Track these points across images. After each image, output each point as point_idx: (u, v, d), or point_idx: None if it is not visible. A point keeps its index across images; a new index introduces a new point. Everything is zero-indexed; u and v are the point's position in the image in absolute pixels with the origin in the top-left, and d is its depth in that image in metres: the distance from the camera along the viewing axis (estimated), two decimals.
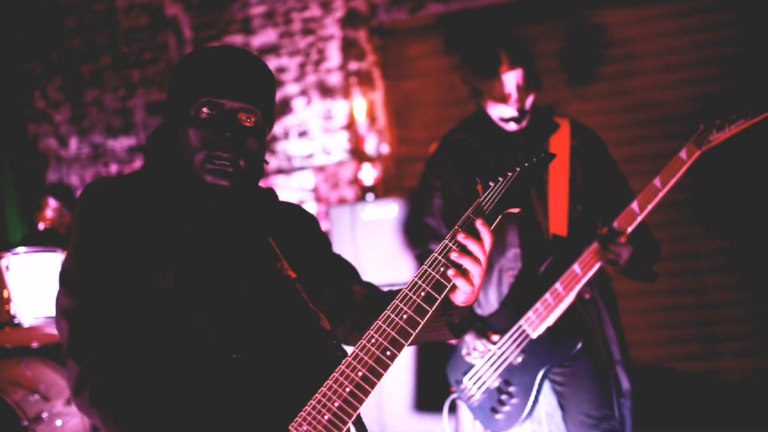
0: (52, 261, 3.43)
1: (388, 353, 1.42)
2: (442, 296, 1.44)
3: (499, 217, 1.50)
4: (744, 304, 3.97)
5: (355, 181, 4.50)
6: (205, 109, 1.49)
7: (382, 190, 4.28)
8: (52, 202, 4.10)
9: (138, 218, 1.47)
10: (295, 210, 1.73)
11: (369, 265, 3.79)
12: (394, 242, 3.79)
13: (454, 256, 1.45)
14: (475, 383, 2.60)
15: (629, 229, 2.43)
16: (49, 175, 5.12)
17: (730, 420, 3.77)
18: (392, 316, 1.43)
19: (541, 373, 2.49)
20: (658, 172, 2.48)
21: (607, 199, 2.64)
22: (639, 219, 2.43)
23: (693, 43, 4.05)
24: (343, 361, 1.42)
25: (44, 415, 3.26)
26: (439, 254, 1.46)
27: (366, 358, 1.41)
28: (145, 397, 1.38)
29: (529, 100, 2.59)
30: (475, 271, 1.46)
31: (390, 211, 3.83)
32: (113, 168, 5.03)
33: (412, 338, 1.43)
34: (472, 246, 1.45)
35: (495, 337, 2.56)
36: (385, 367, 1.41)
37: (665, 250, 2.75)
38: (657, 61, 4.10)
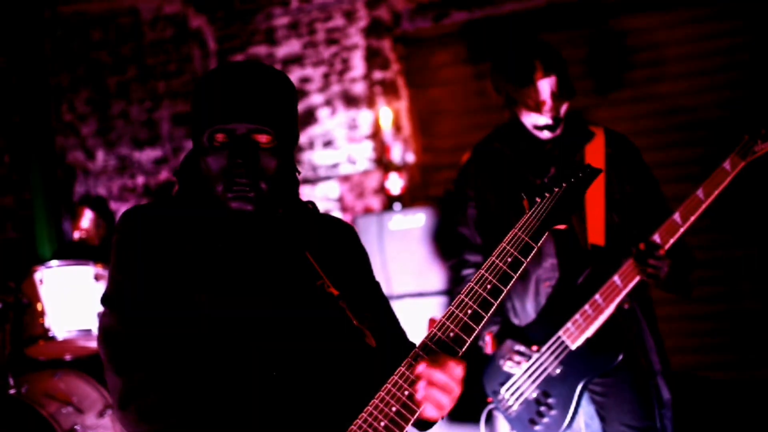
0: (85, 274, 3.45)
1: None
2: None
3: (546, 233, 1.50)
4: None
5: (381, 190, 4.50)
6: (218, 136, 1.48)
7: (408, 199, 4.28)
8: (88, 213, 4.14)
9: (173, 242, 1.48)
10: (335, 223, 1.71)
11: (397, 275, 3.78)
12: (422, 252, 3.78)
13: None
14: (512, 394, 2.58)
15: (671, 241, 2.40)
16: (77, 188, 5.16)
17: (766, 429, 3.72)
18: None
19: (581, 385, 2.47)
20: (688, 177, 2.45)
21: (641, 207, 2.61)
22: (682, 230, 2.40)
23: (722, 47, 4.02)
24: (389, 380, 1.41)
25: (78, 427, 3.27)
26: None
27: (412, 377, 1.40)
28: (194, 414, 1.38)
29: (563, 108, 2.58)
30: None
31: (417, 221, 3.83)
32: (140, 180, 5.06)
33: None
34: None
35: (533, 348, 2.54)
36: None
37: (700, 257, 2.73)
38: (685, 65, 4.06)
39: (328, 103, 4.70)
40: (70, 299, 3.39)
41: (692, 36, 4.08)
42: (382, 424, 1.38)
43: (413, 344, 1.64)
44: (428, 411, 1.40)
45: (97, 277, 3.45)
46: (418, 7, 4.51)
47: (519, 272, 1.47)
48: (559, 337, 2.50)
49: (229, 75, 1.51)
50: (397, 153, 4.50)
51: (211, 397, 1.41)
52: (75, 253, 3.97)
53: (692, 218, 2.39)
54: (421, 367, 1.39)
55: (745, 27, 3.99)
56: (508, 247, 1.48)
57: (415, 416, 1.40)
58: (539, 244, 1.48)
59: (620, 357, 2.44)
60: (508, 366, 2.57)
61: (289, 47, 4.78)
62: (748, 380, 3.91)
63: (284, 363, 1.44)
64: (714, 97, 4.01)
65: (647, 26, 4.13)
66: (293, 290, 1.50)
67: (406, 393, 1.39)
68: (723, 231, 3.96)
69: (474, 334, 1.43)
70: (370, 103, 4.60)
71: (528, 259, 1.47)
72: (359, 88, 4.64)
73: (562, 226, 1.52)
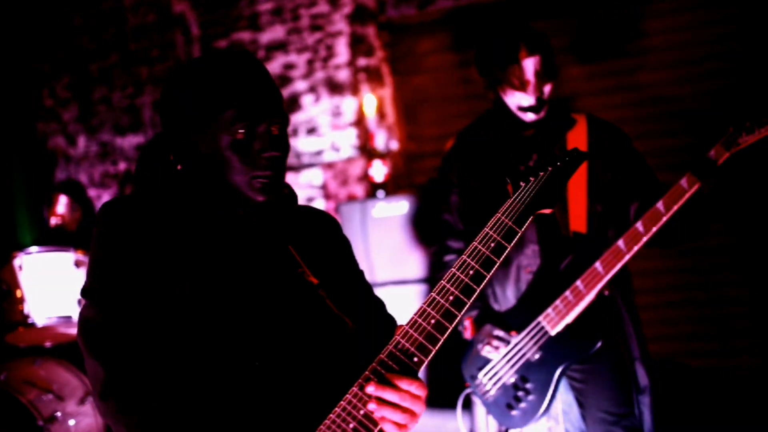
0: (65, 260, 3.43)
1: (415, 359, 1.40)
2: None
3: (531, 218, 1.49)
4: (757, 300, 3.95)
5: (365, 177, 4.49)
6: (241, 131, 1.46)
7: (392, 186, 4.27)
8: (63, 198, 4.10)
9: (155, 234, 1.47)
10: (316, 215, 1.71)
11: (380, 262, 3.78)
12: (405, 239, 3.78)
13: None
14: (490, 379, 2.59)
15: (654, 229, 2.41)
16: (58, 174, 5.12)
17: (743, 416, 3.76)
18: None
19: (559, 371, 2.48)
20: (672, 166, 2.45)
21: (636, 194, 2.59)
22: (664, 219, 2.40)
23: (708, 36, 4.02)
24: (369, 367, 1.40)
25: (58, 414, 3.26)
26: (459, 272, 1.45)
27: (392, 364, 1.39)
28: (176, 404, 1.37)
29: (547, 89, 2.58)
30: None
31: (400, 208, 3.83)
32: (122, 166, 5.02)
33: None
34: None
35: (512, 333, 2.55)
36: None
37: (679, 246, 2.73)
38: (671, 55, 4.07)
39: (312, 89, 4.68)
40: (50, 286, 3.37)
41: (677, 25, 4.08)
42: (362, 412, 1.37)
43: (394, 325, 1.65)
44: (388, 429, 1.38)
45: (77, 264, 3.42)
46: None
47: (502, 257, 1.45)
48: (539, 323, 2.51)
49: (239, 66, 1.49)
50: (381, 140, 4.49)
51: (193, 387, 1.40)
52: (55, 239, 3.95)
53: (674, 207, 2.40)
54: (370, 389, 1.37)
55: (733, 17, 4.00)
56: (491, 232, 1.46)
57: None
58: (523, 229, 1.46)
59: (599, 344, 2.46)
60: (486, 351, 2.58)
61: (273, 33, 4.75)
62: (725, 367, 3.95)
63: (266, 352, 1.43)
64: (699, 87, 4.02)
65: (632, 15, 4.13)
66: (275, 280, 1.50)
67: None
68: None
69: (456, 321, 1.42)
70: (355, 90, 4.58)
71: (512, 244, 1.45)
72: (343, 75, 4.62)
73: (547, 211, 1.51)
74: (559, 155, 1.55)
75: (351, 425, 1.37)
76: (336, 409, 1.39)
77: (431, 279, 3.54)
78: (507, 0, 4.28)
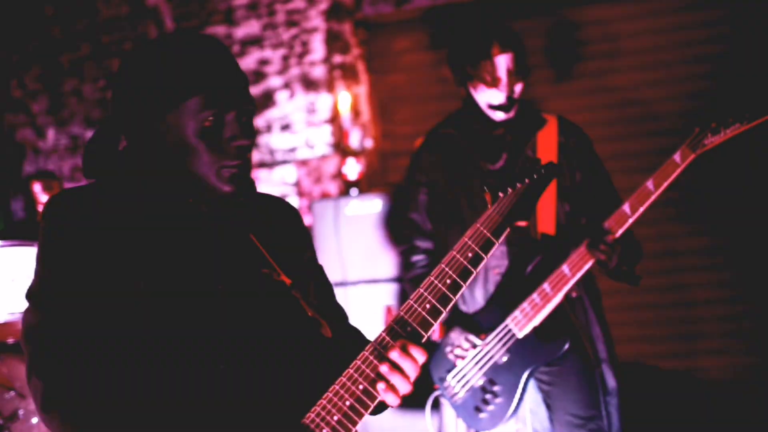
0: (29, 255, 3.37)
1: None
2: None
3: (507, 230, 1.48)
4: (725, 302, 3.99)
5: (339, 175, 4.47)
6: (210, 118, 1.38)
7: (365, 184, 4.25)
8: (37, 186, 4.04)
9: (107, 228, 1.38)
10: (277, 203, 1.62)
11: (353, 261, 3.76)
12: (378, 238, 3.77)
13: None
14: (459, 381, 2.58)
15: (620, 231, 2.42)
16: (27, 167, 5.03)
17: (710, 416, 3.79)
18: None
19: (526, 373, 2.49)
20: (640, 169, 2.46)
21: (592, 197, 2.63)
22: (630, 221, 2.41)
23: (679, 40, 4.05)
24: (344, 373, 1.38)
25: (20, 412, 3.20)
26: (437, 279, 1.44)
27: (368, 371, 1.38)
28: (127, 414, 1.30)
29: (518, 88, 2.58)
30: None
31: (374, 206, 3.81)
32: None
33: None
34: None
35: (481, 336, 2.55)
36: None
37: (648, 248, 2.76)
38: (642, 58, 4.10)
39: (287, 86, 4.65)
40: (13, 281, 3.31)
41: (648, 29, 4.11)
42: (335, 417, 1.35)
43: (359, 330, 1.62)
44: (389, 399, 1.37)
45: None
46: None
47: (479, 268, 1.45)
48: (506, 325, 2.50)
49: (206, 49, 1.42)
50: (356, 138, 4.47)
51: (149, 393, 1.33)
52: (22, 233, 3.87)
53: (641, 209, 2.41)
54: (394, 354, 1.37)
55: (701, 21, 4.03)
56: (469, 242, 1.46)
57: (369, 411, 1.38)
58: (500, 240, 1.47)
59: (566, 346, 2.46)
60: (455, 353, 2.57)
61: (248, 28, 4.71)
62: (693, 369, 3.99)
63: (232, 355, 1.37)
64: (670, 90, 4.05)
65: (605, 18, 4.15)
66: (240, 277, 1.43)
67: (361, 387, 1.36)
68: (673, 222, 4.02)
69: (432, 329, 1.41)
70: (330, 87, 4.56)
71: (488, 255, 1.46)
72: (319, 72, 4.59)
73: (523, 223, 1.51)
74: (536, 167, 1.54)
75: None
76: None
77: (400, 279, 3.52)
78: (482, 0, 4.28)
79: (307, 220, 4.36)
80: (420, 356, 1.38)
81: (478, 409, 2.55)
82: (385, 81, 4.55)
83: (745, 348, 3.93)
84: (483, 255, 1.46)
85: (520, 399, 2.50)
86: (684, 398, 3.87)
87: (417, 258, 2.75)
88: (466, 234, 1.45)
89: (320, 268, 1.65)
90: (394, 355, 1.37)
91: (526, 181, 1.52)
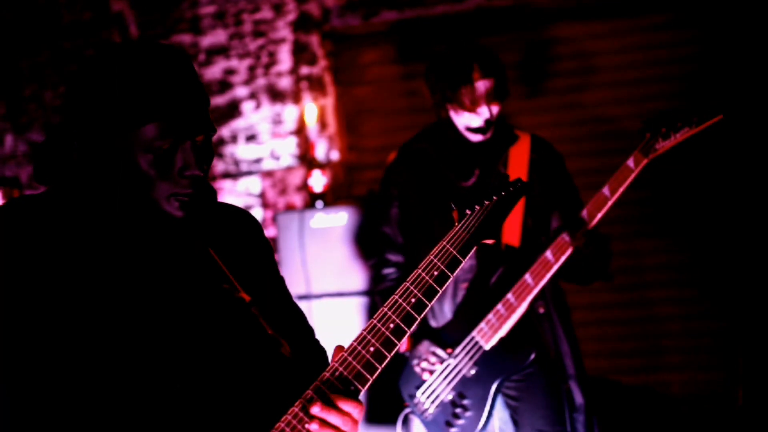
0: None
1: (352, 388, 1.35)
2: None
3: (474, 248, 1.46)
4: (687, 318, 4.04)
5: (304, 187, 4.42)
6: (163, 147, 1.31)
7: (331, 197, 4.21)
8: None
9: (56, 244, 1.31)
10: (238, 214, 1.55)
11: (317, 274, 3.71)
12: (344, 251, 3.73)
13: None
14: (428, 397, 2.56)
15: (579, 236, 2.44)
16: None
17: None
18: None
19: (495, 385, 2.48)
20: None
21: (560, 212, 2.65)
22: (590, 226, 2.43)
23: (647, 59, 4.11)
24: (304, 394, 1.34)
25: None
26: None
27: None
28: None
29: (496, 110, 2.58)
30: None
31: (339, 219, 3.77)
32: None
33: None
34: None
35: (448, 351, 2.53)
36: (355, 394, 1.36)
37: (613, 264, 2.77)
38: (611, 75, 4.15)
39: (253, 96, 4.60)
40: None
41: (618, 47, 4.16)
42: None
43: (321, 349, 1.58)
44: None
45: None
46: (348, 3, 4.46)
47: (444, 287, 1.43)
48: (473, 338, 2.49)
49: (166, 67, 1.32)
50: (322, 150, 4.44)
51: (101, 417, 1.26)
52: None
53: (598, 215, 2.44)
54: (316, 409, 1.32)
55: (670, 41, 4.10)
56: (435, 260, 1.43)
57: None
58: (466, 259, 1.44)
59: (532, 356, 2.46)
60: (423, 366, 2.55)
61: (215, 37, 4.65)
62: (656, 384, 4.02)
63: (187, 375, 1.32)
64: (636, 108, 4.10)
65: (575, 35, 4.20)
66: (197, 294, 1.37)
67: None
68: (636, 238, 4.06)
69: (396, 349, 1.38)
70: (296, 98, 4.52)
71: (455, 274, 1.44)
72: (285, 83, 4.55)
73: (490, 241, 1.49)
74: (504, 185, 1.52)
75: None
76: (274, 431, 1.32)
77: (370, 292, 3.49)
78: (451, 15, 4.29)
79: (271, 232, 4.30)
80: (353, 410, 1.33)
81: (449, 424, 2.53)
82: (351, 93, 4.53)
83: (707, 364, 3.98)
84: (449, 273, 1.44)
85: (490, 412, 2.49)
86: (646, 413, 3.90)
87: (388, 271, 2.73)
88: (432, 252, 1.43)
89: (281, 282, 1.59)
90: (316, 410, 1.31)
91: (494, 198, 1.50)
